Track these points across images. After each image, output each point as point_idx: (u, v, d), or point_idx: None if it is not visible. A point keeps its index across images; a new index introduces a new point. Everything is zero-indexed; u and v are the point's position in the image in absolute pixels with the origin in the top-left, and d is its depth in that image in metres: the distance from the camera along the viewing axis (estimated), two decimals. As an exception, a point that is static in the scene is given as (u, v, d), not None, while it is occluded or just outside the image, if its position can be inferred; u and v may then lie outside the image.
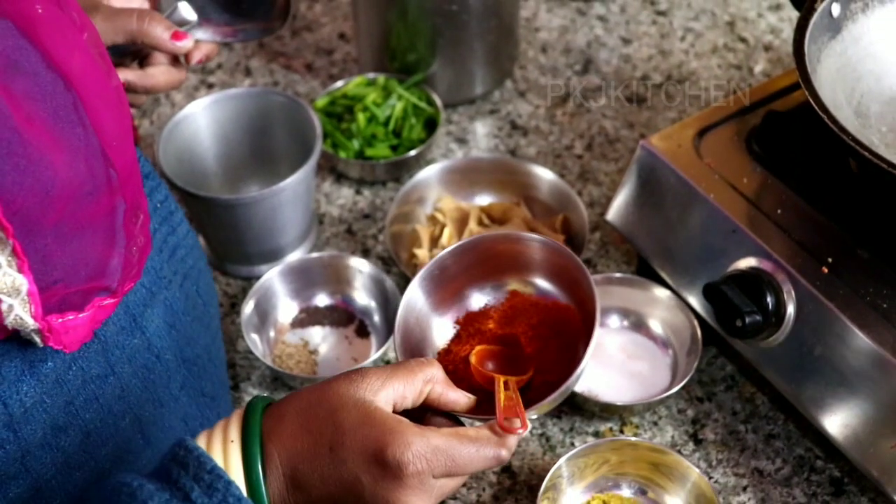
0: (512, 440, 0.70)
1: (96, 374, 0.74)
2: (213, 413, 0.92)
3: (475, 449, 0.68)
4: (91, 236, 0.65)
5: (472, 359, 0.80)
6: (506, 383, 0.75)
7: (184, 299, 0.86)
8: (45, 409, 0.69)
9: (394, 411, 0.70)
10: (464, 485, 0.94)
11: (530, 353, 0.80)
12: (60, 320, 0.64)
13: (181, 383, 0.85)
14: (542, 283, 0.84)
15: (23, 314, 0.61)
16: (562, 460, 0.94)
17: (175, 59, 0.93)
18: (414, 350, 0.81)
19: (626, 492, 0.97)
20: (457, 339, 0.83)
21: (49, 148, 0.60)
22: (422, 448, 0.66)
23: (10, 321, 0.61)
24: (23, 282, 0.59)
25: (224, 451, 0.67)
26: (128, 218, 0.69)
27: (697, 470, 0.93)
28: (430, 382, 0.72)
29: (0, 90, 0.57)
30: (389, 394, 0.69)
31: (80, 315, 0.66)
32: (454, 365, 0.81)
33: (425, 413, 0.73)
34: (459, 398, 0.73)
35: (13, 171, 0.57)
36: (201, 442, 0.68)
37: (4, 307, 0.60)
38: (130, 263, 0.70)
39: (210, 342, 0.92)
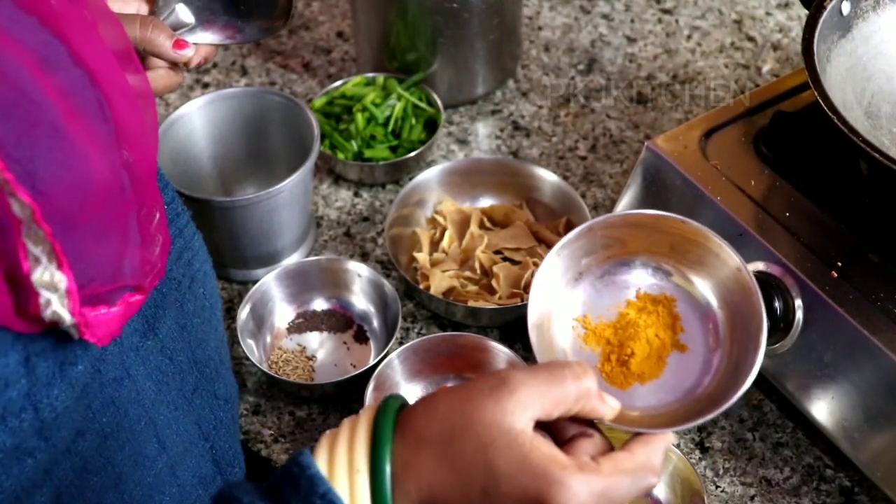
0: (659, 456, 0.67)
1: (113, 377, 0.74)
2: (228, 416, 0.92)
3: (632, 482, 0.65)
4: (115, 235, 0.65)
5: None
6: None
7: (193, 301, 0.86)
8: (69, 414, 0.69)
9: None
10: None
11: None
12: (94, 314, 0.64)
13: (194, 386, 0.85)
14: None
15: (60, 309, 0.61)
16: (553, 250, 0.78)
17: (174, 63, 0.93)
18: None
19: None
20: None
21: (88, 144, 0.60)
22: (584, 496, 0.62)
23: (47, 315, 0.61)
24: (62, 279, 0.59)
25: (350, 481, 0.63)
26: (143, 217, 0.68)
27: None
28: (584, 398, 0.66)
29: (42, 83, 0.57)
30: (537, 413, 0.64)
31: (112, 309, 0.66)
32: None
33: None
34: (607, 411, 0.67)
35: (56, 166, 0.57)
36: (321, 459, 0.64)
37: (42, 301, 0.60)
38: (150, 261, 0.70)
39: (219, 344, 0.92)
